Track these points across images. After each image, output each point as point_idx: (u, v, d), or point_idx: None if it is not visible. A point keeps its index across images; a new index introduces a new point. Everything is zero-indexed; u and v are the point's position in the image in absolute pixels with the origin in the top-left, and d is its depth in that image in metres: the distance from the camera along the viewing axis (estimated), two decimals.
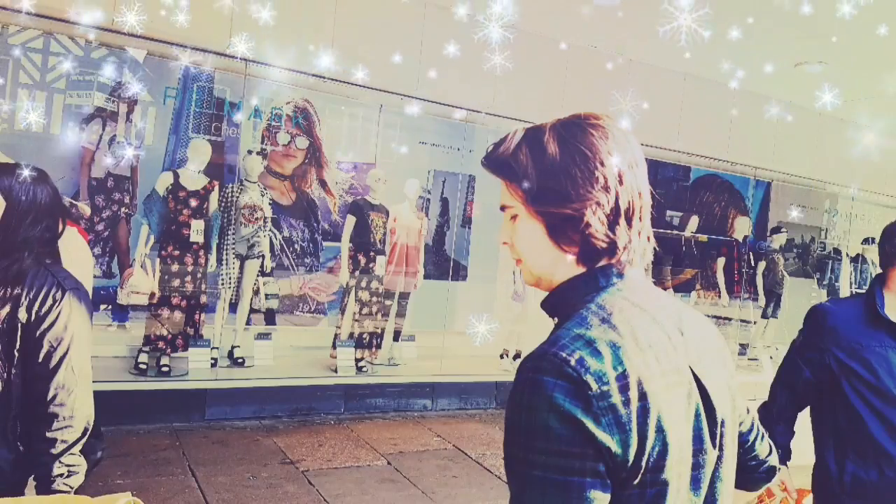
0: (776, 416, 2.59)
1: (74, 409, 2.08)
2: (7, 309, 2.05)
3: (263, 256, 6.95)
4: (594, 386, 1.01)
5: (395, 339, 7.72)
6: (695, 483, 1.13)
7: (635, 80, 7.62)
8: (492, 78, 6.96)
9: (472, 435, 6.61)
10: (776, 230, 10.02)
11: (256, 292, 7.05)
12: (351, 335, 7.29)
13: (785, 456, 2.56)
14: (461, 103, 7.12)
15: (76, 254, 4.22)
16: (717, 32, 6.56)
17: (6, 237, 2.10)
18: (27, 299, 2.06)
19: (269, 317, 7.30)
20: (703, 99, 8.36)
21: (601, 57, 7.66)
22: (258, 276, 6.99)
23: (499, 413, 7.51)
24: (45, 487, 2.03)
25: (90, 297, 4.44)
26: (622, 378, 1.03)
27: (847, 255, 11.22)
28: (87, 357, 2.20)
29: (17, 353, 2.05)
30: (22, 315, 2.04)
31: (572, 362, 1.02)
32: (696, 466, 1.13)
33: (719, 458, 1.18)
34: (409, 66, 6.43)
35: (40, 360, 2.06)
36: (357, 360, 7.15)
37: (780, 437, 2.56)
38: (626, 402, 1.02)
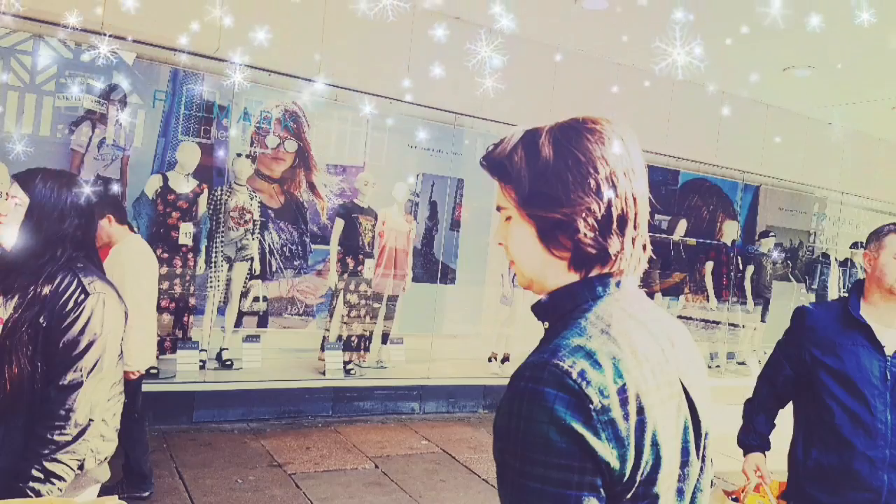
0: (757, 408, 2.80)
1: (72, 412, 2.10)
2: (31, 310, 2.11)
3: (252, 259, 6.97)
4: (595, 399, 0.99)
5: (384, 341, 7.73)
6: (679, 494, 1.13)
7: (625, 83, 7.66)
8: (481, 81, 6.98)
9: (460, 438, 6.62)
10: (764, 234, 10.05)
11: (245, 295, 7.06)
12: (339, 338, 7.31)
13: (764, 445, 2.77)
14: (450, 107, 7.14)
15: (138, 260, 4.28)
16: (706, 38, 6.61)
17: (34, 235, 2.17)
18: (50, 302, 2.12)
19: (259, 319, 7.30)
20: (691, 103, 8.40)
21: (591, 61, 7.70)
22: (247, 278, 7.00)
23: (487, 416, 7.53)
24: (16, 489, 2.02)
25: (154, 302, 4.52)
26: (622, 392, 1.02)
27: (836, 259, 11.26)
28: (112, 359, 2.25)
29: (38, 354, 2.11)
30: (44, 317, 2.11)
31: (574, 374, 1.00)
32: (682, 478, 1.13)
33: (701, 469, 1.19)
34: (397, 69, 6.45)
35: (55, 361, 2.12)
36: (345, 363, 7.16)
37: (760, 427, 2.77)
38: (626, 417, 1.01)
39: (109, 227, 4.17)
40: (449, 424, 7.11)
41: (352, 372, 7.18)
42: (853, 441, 2.43)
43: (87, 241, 2.30)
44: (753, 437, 2.77)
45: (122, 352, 2.39)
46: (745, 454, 2.78)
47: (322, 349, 7.21)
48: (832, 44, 6.44)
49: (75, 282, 2.16)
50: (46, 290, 2.13)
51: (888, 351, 2.45)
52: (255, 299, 7.14)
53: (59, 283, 2.15)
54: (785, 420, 2.78)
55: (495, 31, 6.98)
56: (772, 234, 10.05)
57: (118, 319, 2.27)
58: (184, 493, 4.77)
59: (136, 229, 4.77)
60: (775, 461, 2.78)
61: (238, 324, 7.04)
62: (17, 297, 2.13)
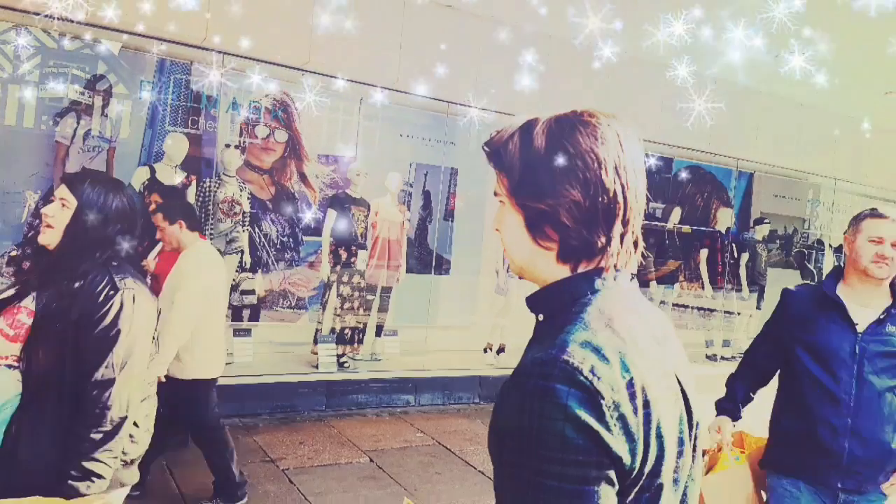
0: (737, 378, 3.03)
1: (107, 409, 2.14)
2: (62, 304, 2.17)
3: (242, 252, 6.93)
4: (607, 395, 1.00)
5: (378, 334, 7.70)
6: (675, 484, 1.14)
7: (619, 72, 7.60)
8: (474, 70, 6.93)
9: (456, 430, 6.63)
10: (759, 221, 10.16)
11: (235, 288, 6.99)
12: (332, 330, 7.28)
13: (734, 411, 2.97)
14: (443, 95, 7.08)
15: (204, 266, 4.35)
16: (698, 24, 6.56)
17: (78, 236, 2.25)
18: (81, 297, 2.18)
19: (250, 313, 7.25)
20: (684, 90, 8.37)
21: (585, 51, 7.63)
22: (237, 271, 6.94)
23: (482, 408, 7.53)
24: (55, 488, 2.06)
25: (221, 310, 4.68)
26: (630, 386, 1.03)
27: (830, 245, 11.34)
28: (142, 355, 2.30)
29: (68, 349, 2.15)
30: (75, 311, 2.16)
31: (585, 370, 1.00)
32: (678, 469, 1.14)
33: (693, 458, 1.20)
34: (389, 58, 6.40)
35: (85, 357, 2.16)
36: (338, 356, 7.15)
37: (735, 394, 2.98)
38: (635, 411, 1.03)
39: (180, 232, 4.27)
40: (444, 416, 7.11)
41: (345, 365, 7.16)
42: (819, 409, 2.63)
43: (128, 246, 2.37)
44: (726, 402, 2.97)
45: (154, 351, 2.52)
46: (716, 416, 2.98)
47: (315, 342, 7.18)
48: (825, 30, 6.40)
49: (107, 278, 2.21)
50: (78, 285, 2.18)
51: (860, 328, 2.62)
52: (246, 293, 7.09)
53: (91, 279, 2.20)
54: (771, 399, 2.97)
55: (487, 19, 6.92)
56: (766, 220, 10.14)
57: (149, 317, 2.32)
58: (175, 490, 4.76)
59: (207, 236, 4.76)
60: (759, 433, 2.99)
61: (229, 318, 6.95)
62: (49, 291, 2.18)
